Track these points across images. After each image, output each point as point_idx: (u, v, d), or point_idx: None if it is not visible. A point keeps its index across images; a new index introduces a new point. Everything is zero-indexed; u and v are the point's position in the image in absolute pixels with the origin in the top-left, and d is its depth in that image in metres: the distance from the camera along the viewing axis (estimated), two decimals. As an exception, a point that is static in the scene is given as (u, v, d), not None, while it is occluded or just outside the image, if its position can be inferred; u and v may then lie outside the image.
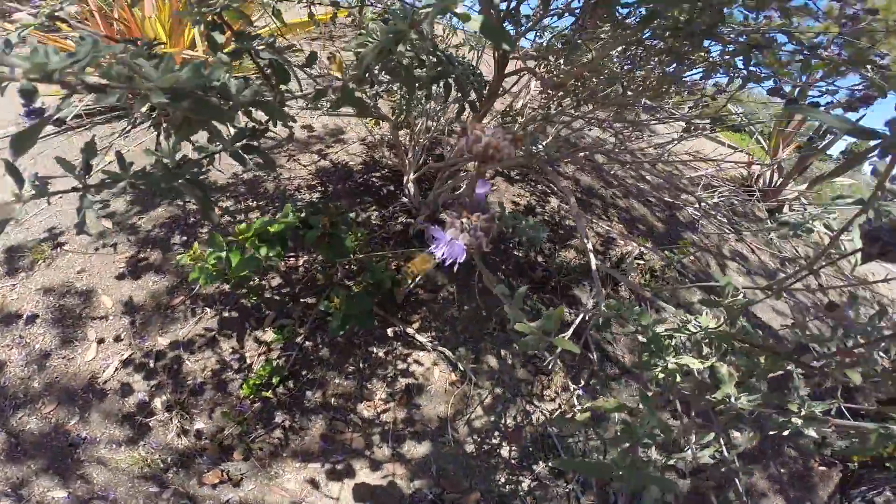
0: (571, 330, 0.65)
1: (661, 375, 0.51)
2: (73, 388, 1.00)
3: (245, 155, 0.60)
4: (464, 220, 0.33)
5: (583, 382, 1.13)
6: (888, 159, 0.29)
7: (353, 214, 1.14)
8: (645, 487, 0.43)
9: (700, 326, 0.52)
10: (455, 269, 0.37)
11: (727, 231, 2.30)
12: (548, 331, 0.47)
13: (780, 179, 2.76)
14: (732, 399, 0.50)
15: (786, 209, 2.69)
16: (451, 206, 0.33)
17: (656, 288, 1.60)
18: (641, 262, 1.69)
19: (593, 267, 0.70)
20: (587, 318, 0.77)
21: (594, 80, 0.89)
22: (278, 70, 0.61)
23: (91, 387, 0.99)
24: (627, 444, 0.46)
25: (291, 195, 1.37)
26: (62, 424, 0.99)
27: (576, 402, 1.07)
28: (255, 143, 0.61)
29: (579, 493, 1.10)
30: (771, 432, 0.63)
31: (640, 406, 0.46)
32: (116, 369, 1.00)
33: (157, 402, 0.97)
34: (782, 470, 1.56)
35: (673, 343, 0.54)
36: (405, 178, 1.36)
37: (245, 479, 0.97)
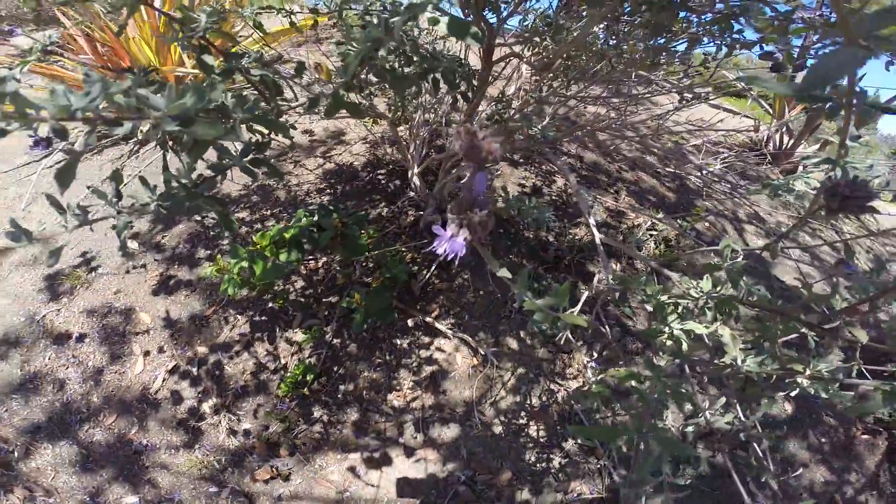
0: (580, 305, 0.68)
1: (669, 342, 0.54)
2: (129, 400, 1.09)
3: (254, 168, 0.64)
4: (462, 216, 0.37)
5: (595, 355, 1.16)
6: (843, 116, 0.31)
7: (363, 213, 1.19)
8: (653, 449, 0.47)
9: (702, 291, 0.55)
10: (463, 258, 0.40)
11: (736, 196, 2.27)
12: (555, 307, 0.51)
13: (791, 141, 2.69)
14: (739, 363, 0.52)
15: (800, 170, 2.63)
16: (450, 204, 0.36)
17: (670, 257, 1.61)
18: (654, 232, 1.69)
19: (597, 242, 0.73)
20: (594, 292, 0.80)
21: (582, 57, 0.91)
22: (270, 84, 0.65)
23: (144, 397, 1.08)
24: (638, 410, 0.49)
25: (302, 200, 1.42)
26: (124, 434, 1.08)
27: (590, 375, 1.11)
28: (262, 156, 0.65)
29: (612, 468, 1.14)
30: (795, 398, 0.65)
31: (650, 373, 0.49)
32: (164, 379, 1.08)
33: (206, 407, 1.05)
34: (823, 439, 1.55)
35: (679, 310, 0.56)
36: (410, 173, 1.39)
37: (293, 474, 1.04)
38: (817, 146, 2.64)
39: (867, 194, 0.37)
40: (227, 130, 0.44)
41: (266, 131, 0.62)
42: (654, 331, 0.56)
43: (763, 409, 0.72)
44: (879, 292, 0.47)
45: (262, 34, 0.98)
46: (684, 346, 0.54)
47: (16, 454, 1.11)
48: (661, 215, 1.88)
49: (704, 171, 1.79)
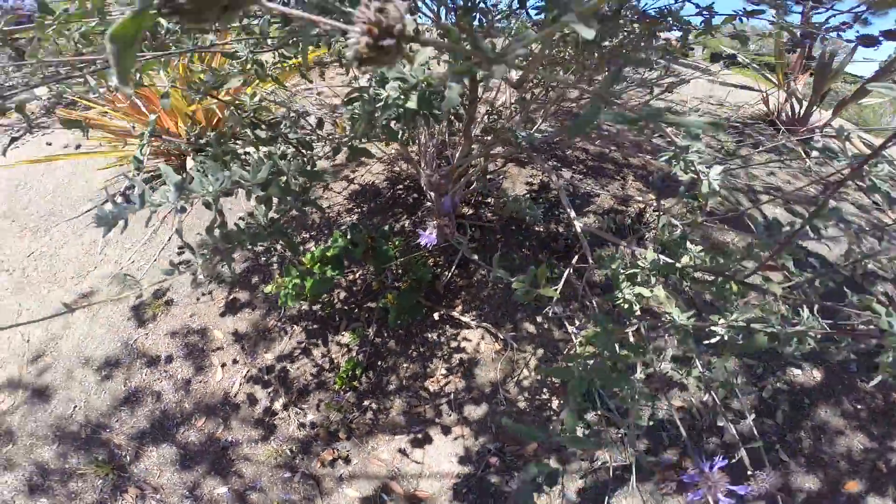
0: (562, 283, 0.87)
1: (625, 305, 0.72)
2: (214, 404, 1.35)
3: (304, 207, 0.88)
4: (433, 223, 0.58)
5: (578, 324, 1.33)
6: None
7: (387, 227, 1.41)
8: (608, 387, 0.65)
9: (647, 261, 0.72)
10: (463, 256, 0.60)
11: (750, 168, 2.35)
12: (536, 284, 0.71)
13: (802, 109, 2.73)
14: (676, 318, 0.70)
15: (817, 136, 2.66)
16: (427, 214, 0.57)
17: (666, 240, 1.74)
18: (660, 213, 1.83)
19: (578, 230, 0.91)
20: (572, 270, 0.98)
21: (555, 69, 1.09)
22: (304, 143, 0.88)
23: (226, 401, 1.34)
24: (593, 357, 0.68)
25: (335, 221, 1.67)
26: (213, 433, 1.35)
27: (575, 341, 1.28)
28: (308, 197, 0.88)
29: (634, 437, 1.31)
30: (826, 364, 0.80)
31: (607, 327, 0.67)
32: (241, 384, 1.34)
33: (277, 405, 1.30)
34: (859, 406, 1.59)
35: (637, 278, 0.74)
36: (424, 186, 1.61)
37: (351, 456, 1.27)
38: (830, 112, 2.66)
39: None
40: (287, 189, 0.67)
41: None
42: (610, 296, 0.74)
43: (721, 364, 0.87)
44: (777, 248, 0.63)
45: (282, 87, 1.22)
46: (636, 307, 0.71)
47: (128, 458, 1.40)
48: (717, 175, 2.01)
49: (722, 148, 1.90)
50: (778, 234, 0.67)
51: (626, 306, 0.71)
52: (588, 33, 0.19)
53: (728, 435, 1.43)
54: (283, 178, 0.69)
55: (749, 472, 0.88)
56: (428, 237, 0.56)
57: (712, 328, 0.66)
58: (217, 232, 0.70)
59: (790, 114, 2.83)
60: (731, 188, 2.27)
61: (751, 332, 0.62)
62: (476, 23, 0.92)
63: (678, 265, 0.71)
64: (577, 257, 1.01)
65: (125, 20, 0.17)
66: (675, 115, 0.36)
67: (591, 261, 0.89)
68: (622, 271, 0.72)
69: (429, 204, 1.60)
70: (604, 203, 1.86)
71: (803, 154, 2.69)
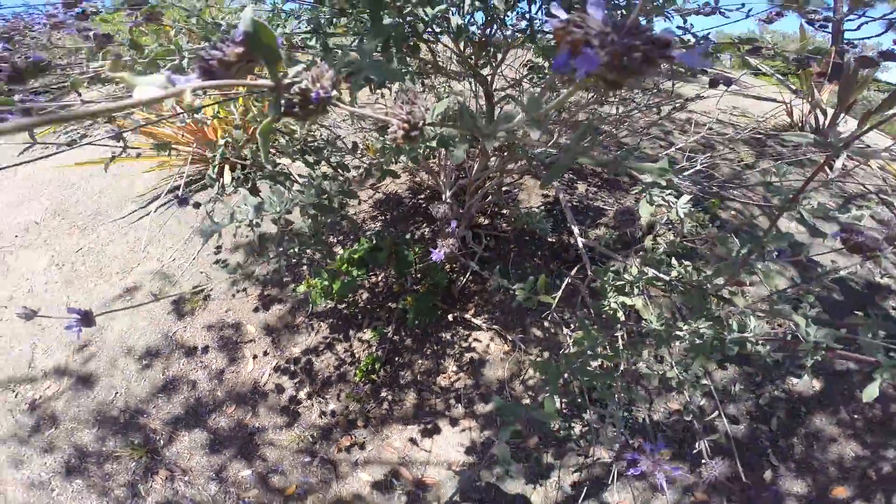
0: (560, 292, 0.99)
1: (610, 312, 0.83)
2: (244, 393, 1.51)
3: (340, 221, 1.02)
4: (442, 242, 0.72)
5: (572, 328, 1.44)
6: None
7: (408, 235, 1.55)
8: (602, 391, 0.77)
9: (632, 275, 0.84)
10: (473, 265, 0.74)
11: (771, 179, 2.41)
12: (536, 292, 0.83)
13: (826, 120, 2.78)
14: (653, 324, 0.81)
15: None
16: (438, 236, 0.71)
17: (684, 248, 1.84)
18: (671, 226, 1.93)
19: (580, 244, 1.03)
20: (569, 281, 1.09)
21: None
22: (342, 166, 1.03)
23: (255, 390, 1.49)
24: (581, 356, 0.80)
25: (361, 227, 1.82)
26: (241, 420, 1.50)
27: (569, 342, 1.39)
28: (344, 212, 1.03)
29: (628, 436, 1.41)
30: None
31: (590, 332, 0.79)
32: (270, 375, 1.49)
33: (302, 394, 1.45)
34: (855, 416, 1.66)
35: (626, 289, 0.85)
36: (443, 196, 1.75)
37: (367, 443, 1.41)
38: (856, 122, 2.70)
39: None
40: (331, 207, 0.81)
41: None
42: (597, 304, 0.86)
43: (697, 366, 0.97)
44: (738, 267, 0.75)
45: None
46: (620, 314, 0.83)
47: (161, 442, 1.56)
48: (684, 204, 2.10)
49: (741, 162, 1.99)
50: (757, 247, 0.78)
51: (612, 313, 0.83)
52: (535, 135, 0.31)
53: (721, 437, 1.52)
54: (326, 197, 0.84)
55: (703, 461, 0.97)
56: (437, 254, 0.72)
57: (676, 332, 0.77)
58: (273, 240, 0.85)
59: (814, 125, 2.87)
60: (746, 202, 2.35)
61: (701, 336, 0.73)
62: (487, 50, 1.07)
63: (667, 278, 0.83)
64: (575, 269, 1.13)
65: (266, 123, 0.31)
66: (637, 161, 0.48)
67: (589, 272, 1.01)
68: (610, 282, 0.84)
69: (446, 193, 1.74)
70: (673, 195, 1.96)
71: (825, 167, 2.74)
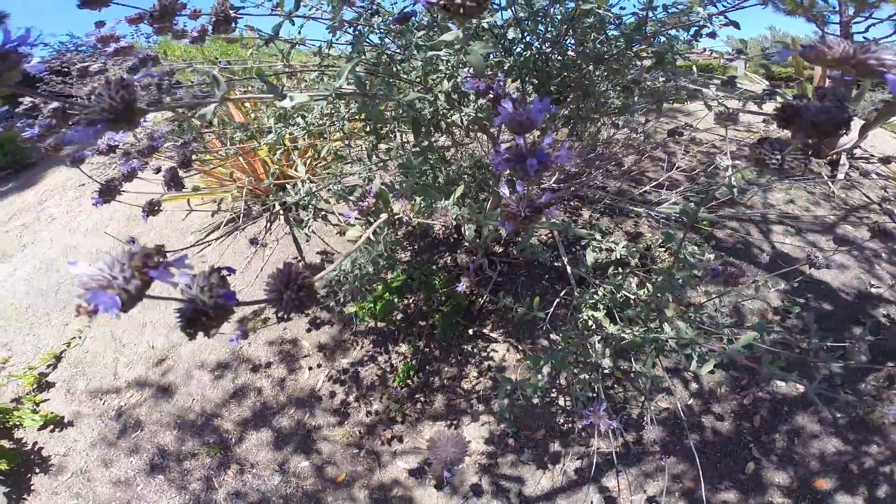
0: (553, 308, 1.41)
1: (587, 322, 1.24)
2: (302, 398, 1.97)
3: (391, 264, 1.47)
4: (465, 277, 1.14)
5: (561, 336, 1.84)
6: None
7: (434, 265, 1.99)
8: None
9: (600, 294, 1.24)
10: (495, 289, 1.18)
11: (769, 194, 2.76)
12: (531, 308, 1.26)
13: None
14: (609, 330, 1.22)
15: (843, 159, 3.01)
16: (459, 264, 1.13)
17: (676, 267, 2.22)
18: (663, 248, 2.31)
19: (569, 271, 1.45)
20: (563, 300, 1.51)
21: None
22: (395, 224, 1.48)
23: (312, 395, 1.95)
24: (567, 358, 1.21)
25: (397, 258, 2.28)
26: (300, 420, 1.96)
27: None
28: (394, 258, 1.48)
29: (621, 429, 1.80)
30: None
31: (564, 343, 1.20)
32: (323, 382, 1.95)
33: (350, 398, 1.90)
34: (838, 414, 1.98)
35: (595, 306, 1.26)
36: (462, 228, 2.19)
37: (404, 436, 1.84)
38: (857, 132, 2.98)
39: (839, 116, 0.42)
40: (389, 256, 1.26)
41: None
42: (574, 317, 1.27)
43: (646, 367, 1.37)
44: (679, 289, 1.15)
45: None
46: (590, 324, 1.24)
47: (232, 440, 2.03)
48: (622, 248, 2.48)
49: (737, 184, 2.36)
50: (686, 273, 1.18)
51: (584, 323, 1.24)
52: (504, 231, 0.74)
53: (708, 432, 1.89)
54: (380, 247, 1.28)
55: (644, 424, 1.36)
56: (461, 287, 1.13)
57: (623, 335, 1.19)
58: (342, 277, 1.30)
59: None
60: (742, 219, 2.71)
61: (640, 337, 1.14)
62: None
63: (629, 295, 1.25)
64: (564, 291, 1.54)
65: (386, 236, 0.76)
66: (578, 228, 0.91)
67: (576, 293, 1.43)
68: (584, 301, 1.25)
69: (466, 244, 2.18)
70: (618, 241, 2.36)
71: (826, 179, 3.04)
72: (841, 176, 3.02)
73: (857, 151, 3.18)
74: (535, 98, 0.55)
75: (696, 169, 2.88)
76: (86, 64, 1.43)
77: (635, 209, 2.27)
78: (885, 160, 2.92)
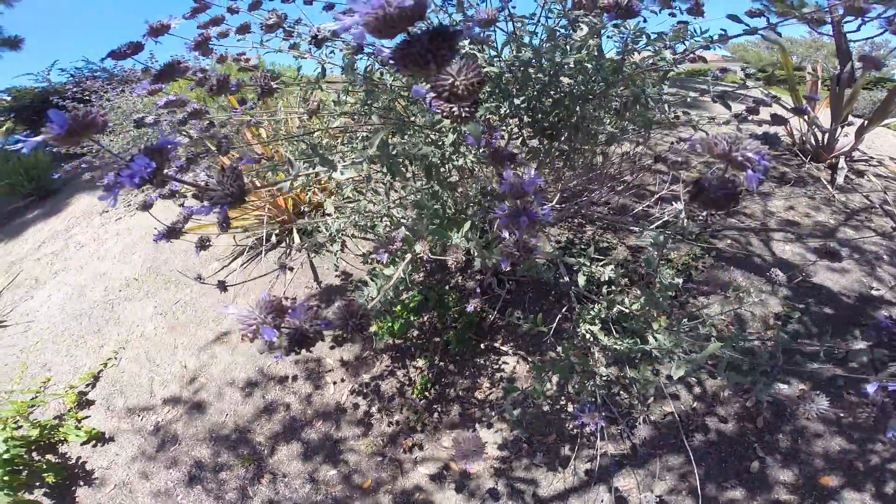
0: (556, 323, 1.62)
1: (585, 335, 1.44)
2: (328, 411, 2.19)
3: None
4: (473, 299, 1.36)
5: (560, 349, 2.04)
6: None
7: (447, 286, 2.21)
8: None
9: (596, 309, 1.45)
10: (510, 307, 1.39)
11: (770, 202, 2.93)
12: (537, 324, 1.48)
13: (824, 137, 3.25)
14: (604, 342, 1.42)
15: (841, 163, 3.17)
16: (471, 276, 1.34)
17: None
18: (665, 261, 2.50)
19: (580, 285, 1.66)
20: (564, 315, 1.72)
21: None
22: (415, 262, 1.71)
23: (337, 408, 2.17)
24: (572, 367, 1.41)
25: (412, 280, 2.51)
26: (327, 432, 2.18)
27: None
28: (410, 282, 1.70)
29: (629, 432, 1.99)
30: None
31: (562, 353, 1.40)
32: (347, 396, 2.17)
33: (373, 409, 2.12)
34: (842, 414, 2.13)
35: (592, 321, 1.46)
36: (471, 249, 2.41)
37: (424, 444, 2.05)
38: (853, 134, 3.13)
39: (732, 191, 0.62)
40: (408, 284, 1.48)
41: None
42: (575, 331, 1.47)
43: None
44: (661, 305, 1.36)
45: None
46: (588, 337, 1.44)
47: (265, 452, 2.25)
48: (672, 245, 2.67)
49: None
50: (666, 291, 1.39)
51: (582, 336, 1.45)
52: (503, 267, 0.95)
53: (713, 433, 2.06)
54: (403, 279, 1.50)
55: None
56: (470, 307, 1.33)
57: (616, 346, 1.39)
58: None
59: (814, 142, 3.34)
60: (743, 229, 2.89)
61: (628, 348, 1.34)
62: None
63: (619, 312, 1.45)
64: (566, 307, 1.75)
65: (398, 321, 0.98)
66: (568, 256, 1.13)
67: (576, 309, 1.64)
68: (582, 316, 1.46)
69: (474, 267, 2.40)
70: (619, 255, 2.57)
71: (826, 183, 3.19)
72: (840, 180, 3.17)
73: (856, 154, 3.33)
74: (530, 172, 0.77)
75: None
76: (142, 116, 1.69)
77: (632, 228, 2.47)
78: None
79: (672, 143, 2.97)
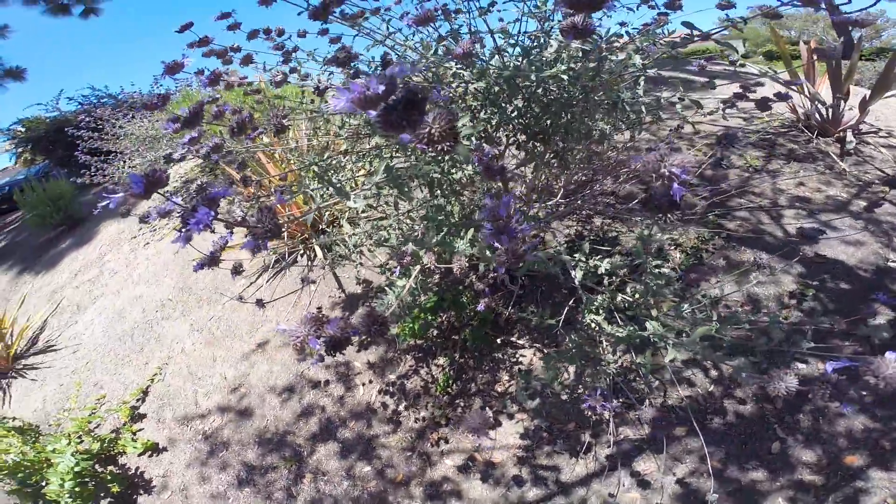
0: (564, 315, 1.77)
1: (591, 325, 1.58)
2: (360, 411, 2.39)
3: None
4: (482, 300, 1.52)
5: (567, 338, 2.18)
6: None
7: (461, 287, 2.38)
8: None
9: (598, 300, 1.59)
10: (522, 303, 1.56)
11: (779, 181, 3.00)
12: (545, 318, 1.64)
13: (827, 109, 3.27)
14: (609, 330, 1.56)
15: (849, 136, 3.20)
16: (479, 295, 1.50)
17: (689, 264, 2.53)
18: (674, 245, 2.61)
19: (577, 279, 1.80)
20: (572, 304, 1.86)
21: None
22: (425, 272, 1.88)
23: (368, 408, 2.37)
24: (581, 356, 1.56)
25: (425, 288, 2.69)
26: (360, 430, 2.38)
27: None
28: (426, 285, 1.88)
29: (644, 419, 2.13)
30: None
31: (569, 343, 1.55)
32: (376, 396, 2.37)
33: (401, 407, 2.31)
34: (863, 392, 2.21)
35: (596, 311, 1.61)
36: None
37: (450, 437, 2.23)
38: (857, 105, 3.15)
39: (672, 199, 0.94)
40: (417, 290, 1.65)
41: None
42: (579, 322, 1.62)
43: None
44: (658, 294, 1.50)
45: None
46: (593, 326, 1.58)
47: (304, 453, 2.46)
48: (679, 227, 2.77)
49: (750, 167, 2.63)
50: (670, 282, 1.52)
51: (588, 325, 1.60)
52: (500, 271, 1.12)
53: (731, 416, 2.18)
54: (416, 286, 1.67)
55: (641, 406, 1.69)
56: (480, 307, 1.49)
57: (617, 333, 1.54)
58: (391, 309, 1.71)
59: (820, 118, 3.36)
60: (754, 207, 2.96)
61: (627, 334, 1.49)
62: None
63: (623, 301, 1.60)
64: (573, 299, 1.90)
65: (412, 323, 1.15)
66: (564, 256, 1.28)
67: (584, 301, 1.79)
68: (588, 307, 1.61)
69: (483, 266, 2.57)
70: (627, 243, 2.69)
71: (835, 157, 3.22)
72: (850, 152, 3.20)
73: (863, 126, 3.36)
74: (506, 199, 0.93)
75: (702, 162, 3.16)
76: (169, 152, 1.90)
77: (633, 218, 2.59)
78: None
79: (670, 130, 3.07)
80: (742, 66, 2.26)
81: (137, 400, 2.92)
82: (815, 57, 3.28)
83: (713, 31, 1.37)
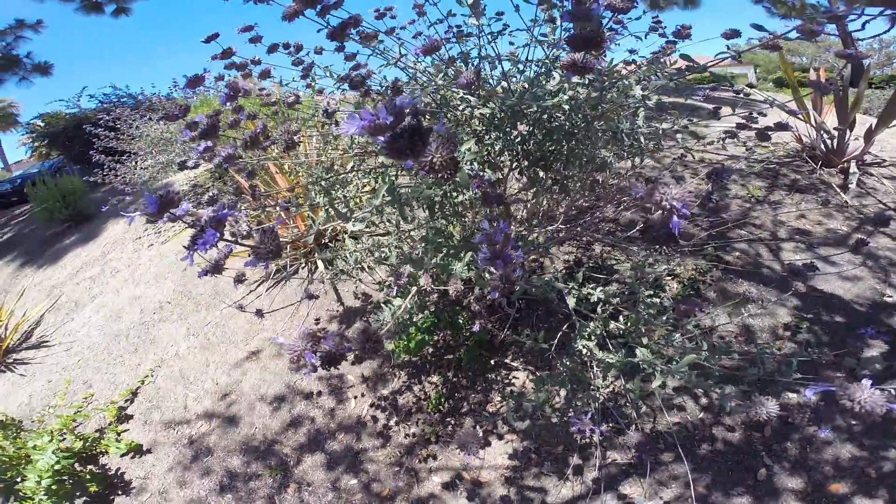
0: (557, 339, 1.81)
1: (581, 350, 1.63)
2: (350, 424, 2.42)
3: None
4: (479, 318, 1.57)
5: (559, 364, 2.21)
6: None
7: (457, 307, 2.43)
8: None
9: (591, 327, 1.63)
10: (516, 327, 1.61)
11: (781, 213, 3.06)
12: (539, 341, 1.68)
13: (833, 142, 3.33)
14: (599, 356, 1.60)
15: (853, 167, 3.25)
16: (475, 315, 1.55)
17: (684, 295, 2.57)
18: (671, 276, 2.66)
19: (571, 306, 1.85)
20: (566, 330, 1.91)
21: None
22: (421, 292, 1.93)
23: (358, 421, 2.40)
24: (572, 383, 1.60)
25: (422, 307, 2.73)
26: (349, 443, 2.40)
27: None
28: (424, 303, 1.93)
29: (631, 443, 2.15)
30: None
31: (560, 367, 1.59)
32: (367, 410, 2.40)
33: (391, 422, 2.34)
34: (853, 421, 2.23)
35: (588, 336, 1.65)
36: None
37: (438, 454, 2.25)
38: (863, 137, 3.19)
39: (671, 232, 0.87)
40: (422, 306, 1.70)
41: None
42: (572, 347, 1.66)
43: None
44: (649, 322, 1.55)
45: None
46: (584, 352, 1.62)
47: (291, 463, 2.48)
48: (677, 258, 2.82)
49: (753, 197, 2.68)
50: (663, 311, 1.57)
51: (580, 350, 1.64)
52: (493, 295, 1.17)
53: (720, 443, 2.20)
54: (412, 306, 1.72)
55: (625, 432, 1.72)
56: (476, 328, 1.53)
57: (608, 360, 1.58)
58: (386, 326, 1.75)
59: (824, 148, 3.41)
60: (753, 240, 3.01)
61: (617, 361, 1.53)
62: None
63: (621, 328, 1.64)
64: (567, 324, 1.94)
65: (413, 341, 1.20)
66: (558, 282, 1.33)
67: (577, 326, 1.83)
68: (580, 333, 1.65)
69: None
70: (626, 272, 2.74)
71: (837, 189, 3.26)
72: (853, 185, 3.24)
73: (868, 157, 3.41)
74: (502, 226, 0.98)
75: (703, 192, 3.21)
76: (184, 159, 1.97)
77: (631, 248, 2.64)
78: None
79: (674, 158, 3.15)
80: (747, 95, 2.33)
81: (126, 400, 2.94)
82: (823, 80, 3.35)
83: (710, 63, 1.43)
